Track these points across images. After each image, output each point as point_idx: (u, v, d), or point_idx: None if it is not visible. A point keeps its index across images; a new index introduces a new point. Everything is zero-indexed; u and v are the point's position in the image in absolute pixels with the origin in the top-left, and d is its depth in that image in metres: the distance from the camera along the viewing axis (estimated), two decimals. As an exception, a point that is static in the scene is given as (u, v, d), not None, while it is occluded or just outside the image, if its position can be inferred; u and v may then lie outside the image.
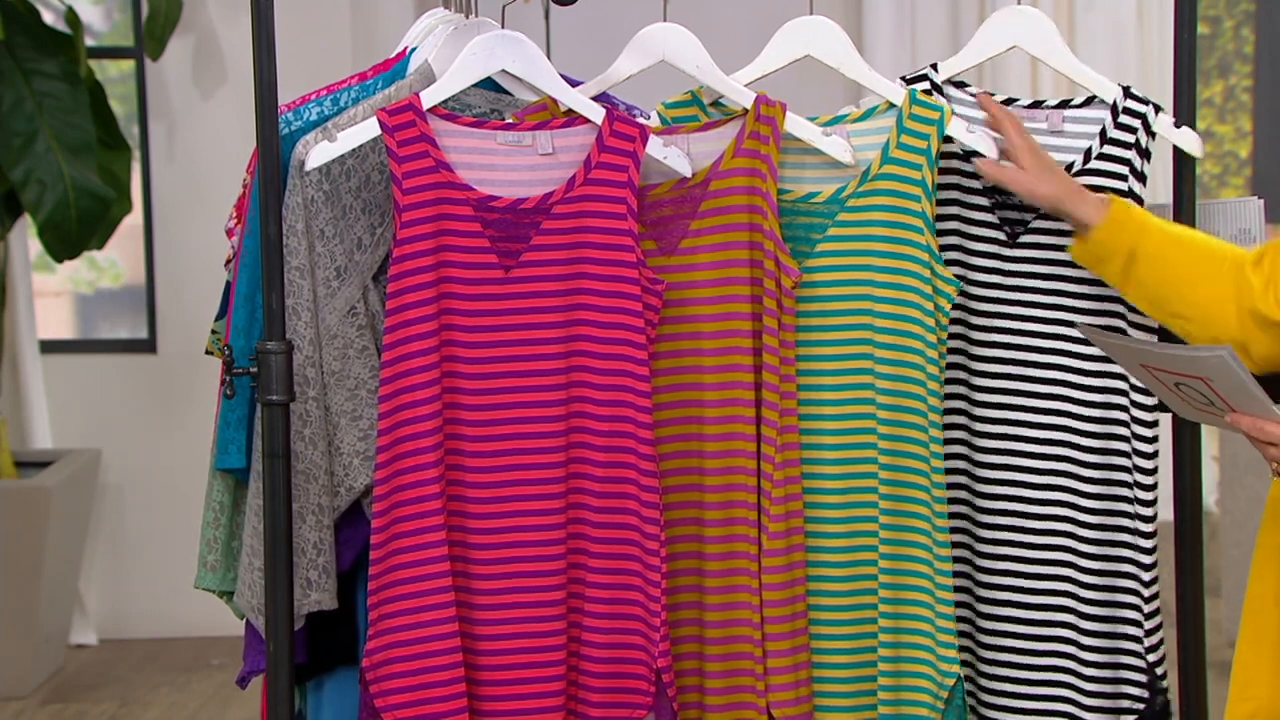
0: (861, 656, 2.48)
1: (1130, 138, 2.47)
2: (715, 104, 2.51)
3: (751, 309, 2.43)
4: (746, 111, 2.44)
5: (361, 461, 2.39)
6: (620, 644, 2.38)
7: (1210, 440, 5.73)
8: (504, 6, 2.71)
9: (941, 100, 2.48)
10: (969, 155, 2.48)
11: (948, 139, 2.45)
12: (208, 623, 4.95)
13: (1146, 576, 2.47)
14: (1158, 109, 2.49)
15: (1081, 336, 2.46)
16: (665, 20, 2.47)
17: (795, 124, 2.45)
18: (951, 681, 2.42)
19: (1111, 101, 2.49)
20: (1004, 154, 2.45)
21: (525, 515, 2.37)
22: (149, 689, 4.94)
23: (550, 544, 2.38)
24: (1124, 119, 2.48)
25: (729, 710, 2.46)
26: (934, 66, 2.53)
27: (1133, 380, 2.45)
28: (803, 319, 2.45)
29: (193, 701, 4.81)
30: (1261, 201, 2.54)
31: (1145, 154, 2.48)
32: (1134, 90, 2.49)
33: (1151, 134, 2.48)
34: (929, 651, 2.44)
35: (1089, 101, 2.51)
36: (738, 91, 2.46)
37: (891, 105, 2.47)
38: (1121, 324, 2.48)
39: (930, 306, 2.42)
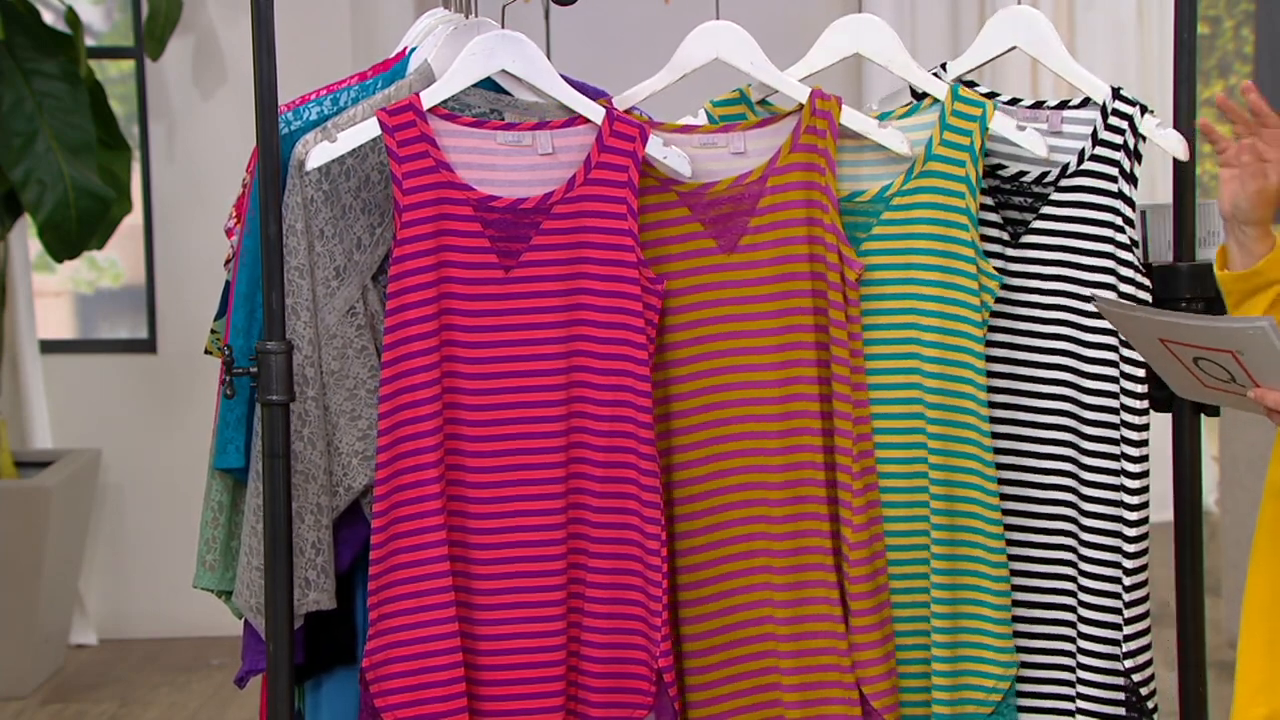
0: (906, 654, 2.48)
1: (1119, 139, 2.46)
2: (762, 102, 2.50)
3: (813, 304, 2.42)
4: (801, 107, 2.43)
5: (360, 461, 2.39)
6: (620, 644, 2.38)
7: (1210, 440, 5.72)
8: (504, 6, 2.71)
9: (983, 96, 2.46)
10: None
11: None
12: (208, 623, 4.95)
13: (1128, 582, 2.44)
14: (1144, 110, 2.47)
15: (1082, 337, 2.45)
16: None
17: (851, 117, 2.43)
18: (1006, 685, 2.43)
19: (1101, 103, 2.48)
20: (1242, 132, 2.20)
21: (525, 515, 2.37)
22: (149, 689, 4.94)
23: (550, 544, 2.38)
24: (1113, 120, 2.47)
25: (812, 706, 2.45)
26: (943, 66, 2.53)
27: (1124, 384, 2.43)
28: None
29: (193, 701, 4.81)
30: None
31: (1135, 155, 2.46)
32: (1124, 91, 2.47)
33: (1139, 135, 2.47)
34: (986, 649, 2.44)
35: (1085, 103, 2.51)
36: (791, 87, 2.44)
37: (936, 101, 2.46)
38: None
39: (977, 303, 2.42)
